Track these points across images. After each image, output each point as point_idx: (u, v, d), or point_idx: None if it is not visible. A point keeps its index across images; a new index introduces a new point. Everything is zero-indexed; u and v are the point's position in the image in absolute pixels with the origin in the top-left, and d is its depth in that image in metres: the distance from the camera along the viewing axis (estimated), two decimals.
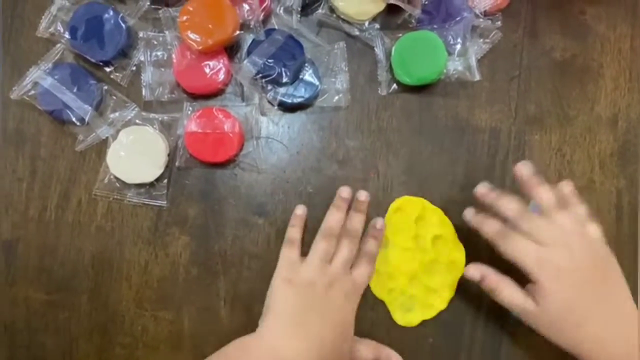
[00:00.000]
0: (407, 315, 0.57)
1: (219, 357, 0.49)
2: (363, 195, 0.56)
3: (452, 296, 0.57)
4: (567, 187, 0.52)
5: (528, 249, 0.48)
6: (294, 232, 0.55)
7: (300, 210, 0.56)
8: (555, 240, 0.47)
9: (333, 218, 0.54)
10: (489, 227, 0.50)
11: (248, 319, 0.57)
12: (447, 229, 0.58)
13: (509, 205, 0.50)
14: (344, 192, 0.56)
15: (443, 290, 0.57)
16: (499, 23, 0.59)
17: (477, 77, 0.58)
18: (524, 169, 0.51)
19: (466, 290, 0.57)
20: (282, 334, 0.49)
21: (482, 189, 0.52)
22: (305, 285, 0.51)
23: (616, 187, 0.59)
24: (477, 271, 0.51)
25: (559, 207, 0.49)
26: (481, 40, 0.59)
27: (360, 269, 0.53)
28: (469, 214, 0.53)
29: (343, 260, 0.52)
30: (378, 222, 0.56)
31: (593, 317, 0.47)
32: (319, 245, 0.53)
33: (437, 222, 0.58)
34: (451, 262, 0.57)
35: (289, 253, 0.54)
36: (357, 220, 0.55)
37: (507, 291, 0.49)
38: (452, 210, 0.58)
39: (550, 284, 0.47)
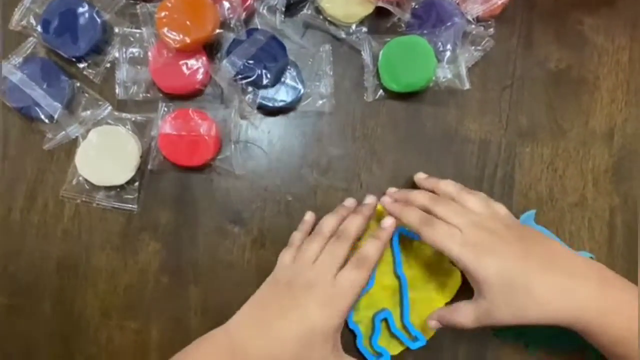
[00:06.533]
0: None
1: (187, 348, 0.48)
2: (370, 199, 0.54)
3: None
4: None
5: (452, 235, 0.46)
6: (296, 236, 0.53)
7: (309, 217, 0.54)
8: (471, 222, 0.47)
9: (328, 222, 0.51)
10: (410, 215, 0.49)
11: None
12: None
13: (425, 194, 0.51)
14: (348, 202, 0.54)
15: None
16: (491, 30, 0.57)
17: (467, 86, 0.56)
18: (420, 177, 0.55)
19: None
20: (247, 332, 0.47)
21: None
22: (282, 285, 0.49)
23: (609, 205, 0.57)
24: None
25: (465, 192, 0.50)
26: (473, 47, 0.57)
27: (344, 273, 0.48)
28: (387, 201, 0.52)
29: (325, 262, 0.48)
30: (386, 221, 0.51)
31: (537, 277, 0.44)
32: (307, 246, 0.50)
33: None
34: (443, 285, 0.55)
35: (283, 256, 0.51)
36: (352, 222, 0.50)
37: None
38: None
39: (480, 266, 0.45)
